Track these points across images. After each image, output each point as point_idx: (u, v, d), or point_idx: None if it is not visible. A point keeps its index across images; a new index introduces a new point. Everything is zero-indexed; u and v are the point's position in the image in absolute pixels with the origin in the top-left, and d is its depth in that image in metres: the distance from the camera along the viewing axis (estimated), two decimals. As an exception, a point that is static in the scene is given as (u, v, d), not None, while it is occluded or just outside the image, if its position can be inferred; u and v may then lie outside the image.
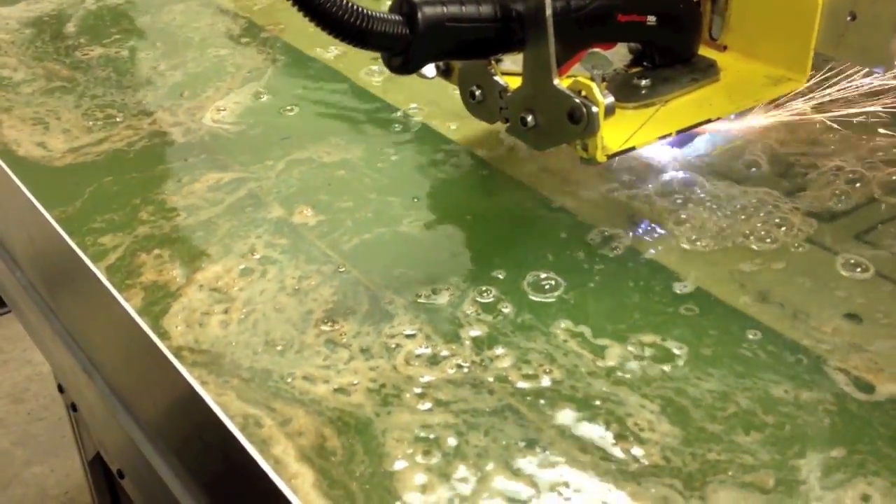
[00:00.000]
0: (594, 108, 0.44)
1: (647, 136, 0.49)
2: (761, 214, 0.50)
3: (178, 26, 0.77)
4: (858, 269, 0.46)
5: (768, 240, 0.48)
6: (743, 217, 0.50)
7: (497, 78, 0.49)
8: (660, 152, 0.55)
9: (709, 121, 0.51)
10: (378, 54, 0.45)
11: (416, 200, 0.53)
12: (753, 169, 0.54)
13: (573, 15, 0.47)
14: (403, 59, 0.44)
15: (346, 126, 0.61)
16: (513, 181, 0.54)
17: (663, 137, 0.49)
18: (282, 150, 0.59)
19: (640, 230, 0.49)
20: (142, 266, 0.49)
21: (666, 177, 0.53)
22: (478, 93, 0.50)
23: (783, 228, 0.49)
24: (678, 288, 0.45)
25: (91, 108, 0.65)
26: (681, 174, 0.54)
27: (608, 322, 0.43)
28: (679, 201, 0.51)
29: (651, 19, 0.51)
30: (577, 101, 0.44)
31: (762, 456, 0.36)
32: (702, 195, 0.52)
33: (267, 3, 0.81)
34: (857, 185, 0.52)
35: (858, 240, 0.48)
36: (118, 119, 0.63)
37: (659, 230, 0.49)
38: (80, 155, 0.59)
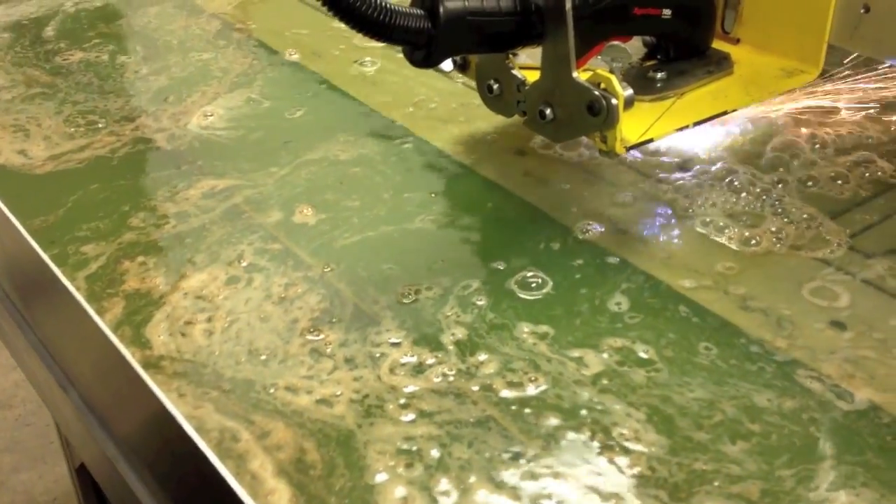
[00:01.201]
0: (614, 101, 0.44)
1: (664, 128, 0.49)
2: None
3: (153, 29, 0.76)
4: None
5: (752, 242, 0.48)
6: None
7: (515, 72, 0.50)
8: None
9: (724, 113, 0.51)
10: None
11: (433, 196, 0.53)
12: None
13: (591, 9, 0.48)
14: (426, 53, 0.45)
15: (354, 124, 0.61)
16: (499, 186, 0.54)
17: (680, 129, 0.50)
18: (288, 153, 0.58)
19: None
20: (125, 274, 0.48)
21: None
22: (495, 87, 0.51)
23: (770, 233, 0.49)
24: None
25: (73, 115, 0.64)
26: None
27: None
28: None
29: (666, 13, 0.52)
30: (597, 93, 0.45)
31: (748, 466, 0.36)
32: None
33: (238, 1, 0.81)
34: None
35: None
36: (100, 125, 0.62)
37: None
38: (62, 162, 0.59)
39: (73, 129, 0.62)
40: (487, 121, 0.59)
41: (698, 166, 0.54)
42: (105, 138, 0.61)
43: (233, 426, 0.39)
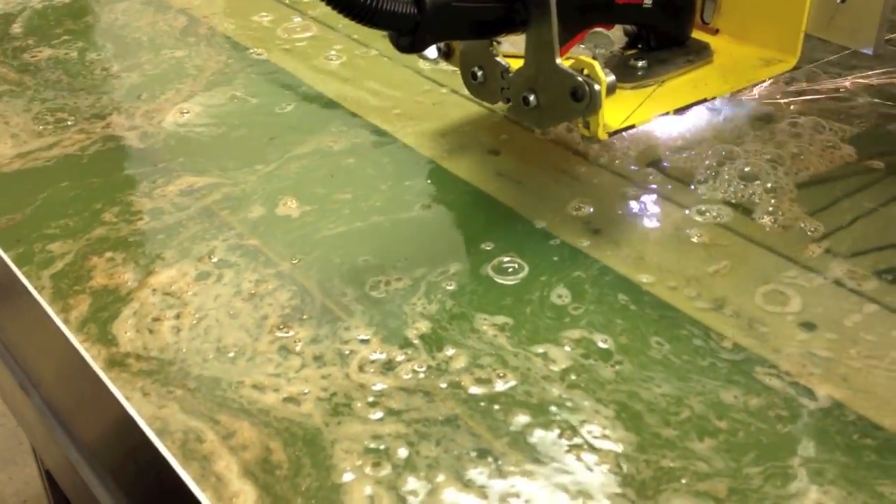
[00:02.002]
0: (597, 87, 0.45)
1: (645, 114, 0.50)
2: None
3: (121, 26, 0.75)
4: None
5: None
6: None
7: (499, 59, 0.50)
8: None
9: (704, 100, 0.53)
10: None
11: (429, 182, 0.53)
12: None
13: None
14: (411, 39, 0.45)
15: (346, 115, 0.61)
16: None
17: (661, 116, 0.51)
18: (275, 150, 0.57)
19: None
20: (92, 270, 0.48)
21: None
22: (479, 74, 0.51)
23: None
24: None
25: (41, 112, 0.63)
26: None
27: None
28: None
29: (647, 2, 0.53)
30: (580, 79, 0.45)
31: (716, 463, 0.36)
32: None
33: None
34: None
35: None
36: (70, 123, 0.61)
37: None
38: (30, 160, 0.57)
39: (41, 127, 0.61)
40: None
41: (673, 164, 0.54)
42: (75, 136, 0.60)
43: (198, 426, 0.38)
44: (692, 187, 0.52)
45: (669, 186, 0.53)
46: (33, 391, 0.42)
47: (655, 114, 0.51)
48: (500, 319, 0.43)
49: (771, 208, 0.50)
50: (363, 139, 0.58)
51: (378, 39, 0.70)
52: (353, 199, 0.52)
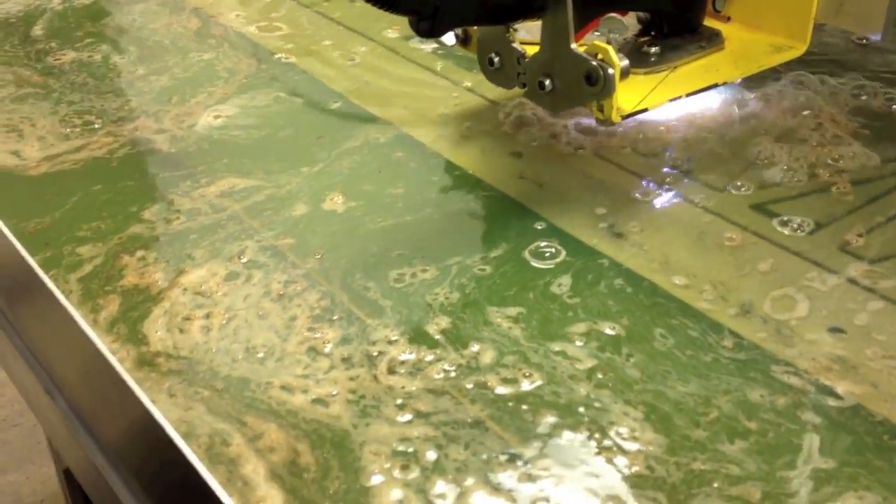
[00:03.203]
0: (610, 70, 0.47)
1: (658, 98, 0.52)
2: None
3: (139, 28, 0.75)
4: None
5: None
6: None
7: (515, 45, 0.52)
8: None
9: (715, 85, 0.54)
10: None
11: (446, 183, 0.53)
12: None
13: None
14: (431, 24, 0.46)
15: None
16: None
17: (673, 100, 0.52)
18: (320, 149, 0.57)
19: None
20: (123, 269, 0.48)
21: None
22: (496, 60, 0.53)
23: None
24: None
25: (68, 115, 0.63)
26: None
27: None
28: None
29: None
30: (595, 63, 0.47)
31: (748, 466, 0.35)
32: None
33: None
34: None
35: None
36: (97, 126, 0.61)
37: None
38: (57, 163, 0.57)
39: (68, 130, 0.61)
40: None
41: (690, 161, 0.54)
42: (102, 139, 0.60)
43: (224, 428, 0.38)
44: (720, 189, 0.52)
45: (695, 188, 0.52)
46: (57, 394, 0.42)
47: (668, 98, 0.52)
48: (514, 311, 0.43)
49: (794, 212, 0.50)
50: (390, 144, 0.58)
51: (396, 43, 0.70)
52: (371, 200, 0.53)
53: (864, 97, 0.60)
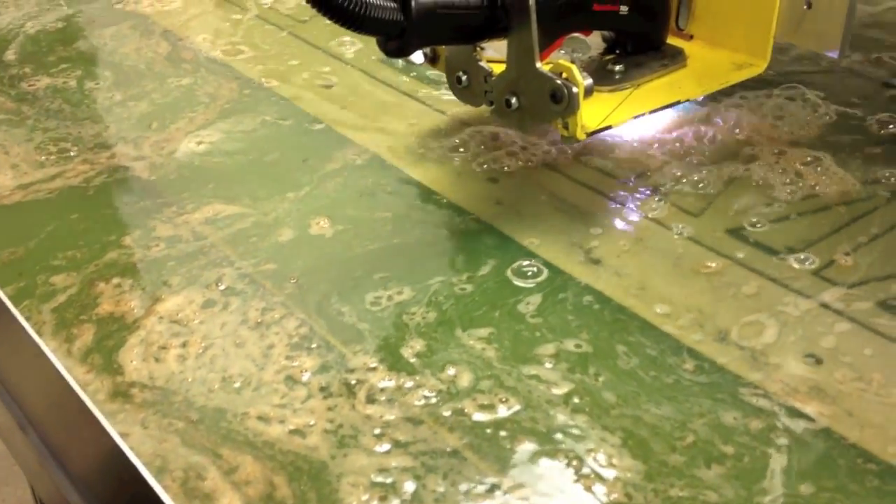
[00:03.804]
0: (574, 89, 0.48)
1: (622, 115, 0.53)
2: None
3: (111, 52, 0.74)
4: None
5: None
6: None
7: (482, 63, 0.53)
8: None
9: (678, 102, 0.55)
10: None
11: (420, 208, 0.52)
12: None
13: (553, 4, 0.52)
14: (399, 44, 0.48)
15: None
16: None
17: (637, 117, 0.53)
18: (305, 173, 0.57)
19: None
20: (99, 297, 0.47)
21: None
22: (464, 78, 0.54)
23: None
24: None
25: (43, 142, 0.62)
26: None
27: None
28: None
29: (623, 9, 0.56)
30: (559, 82, 0.48)
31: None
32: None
33: (190, 14, 0.80)
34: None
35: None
36: (73, 153, 0.60)
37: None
38: (31, 192, 0.57)
39: (43, 158, 0.60)
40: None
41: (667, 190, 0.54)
42: (79, 167, 0.59)
43: (199, 461, 0.38)
44: (695, 214, 0.52)
45: (671, 212, 0.52)
46: (29, 428, 0.42)
47: (632, 115, 0.53)
48: (486, 332, 0.43)
49: (765, 231, 0.50)
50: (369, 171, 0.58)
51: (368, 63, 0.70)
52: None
53: (839, 116, 0.61)
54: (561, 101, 0.48)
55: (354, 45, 0.72)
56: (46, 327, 0.46)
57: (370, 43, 0.48)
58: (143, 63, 0.72)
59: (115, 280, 0.49)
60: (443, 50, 0.56)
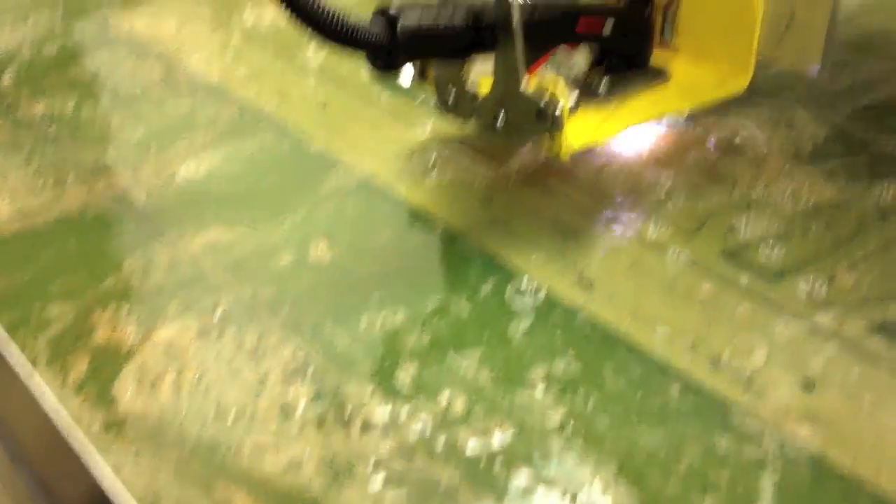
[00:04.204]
0: (560, 105, 0.48)
1: (607, 131, 0.54)
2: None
3: (107, 76, 0.74)
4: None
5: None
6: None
7: (469, 80, 0.54)
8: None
9: (663, 116, 0.57)
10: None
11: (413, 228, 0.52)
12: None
13: (538, 22, 0.52)
14: (385, 60, 0.48)
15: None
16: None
17: (623, 132, 0.55)
18: (302, 196, 0.57)
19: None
20: (94, 326, 0.48)
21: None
22: (451, 95, 0.55)
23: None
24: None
25: (41, 168, 0.62)
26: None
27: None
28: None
29: (607, 27, 0.57)
30: (544, 99, 0.49)
31: None
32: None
33: (184, 37, 0.80)
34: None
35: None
36: (70, 179, 0.60)
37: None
38: (30, 220, 0.56)
39: (40, 184, 0.60)
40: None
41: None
42: (77, 193, 0.59)
43: (192, 495, 0.37)
44: (690, 233, 0.52)
45: (665, 233, 0.52)
46: (20, 461, 0.42)
47: (617, 131, 0.54)
48: (479, 354, 0.43)
49: (760, 251, 0.50)
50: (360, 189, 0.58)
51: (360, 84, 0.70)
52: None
53: (832, 134, 0.61)
54: (546, 117, 0.49)
55: (345, 64, 0.73)
56: (41, 358, 0.45)
57: (361, 62, 0.49)
58: (139, 87, 0.72)
59: (112, 308, 0.49)
60: (431, 67, 0.56)
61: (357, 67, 0.71)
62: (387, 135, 0.64)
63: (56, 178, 0.61)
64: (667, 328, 0.45)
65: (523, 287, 0.49)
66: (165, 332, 0.47)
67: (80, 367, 0.45)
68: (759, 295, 0.47)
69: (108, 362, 0.45)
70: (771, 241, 0.51)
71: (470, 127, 0.59)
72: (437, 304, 0.48)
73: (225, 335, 0.46)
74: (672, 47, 0.61)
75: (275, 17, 0.82)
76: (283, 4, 0.44)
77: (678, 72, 0.59)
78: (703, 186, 0.56)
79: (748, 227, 0.52)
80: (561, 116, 0.49)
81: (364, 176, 0.59)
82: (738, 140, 0.60)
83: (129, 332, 0.47)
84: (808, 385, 0.41)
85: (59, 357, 0.45)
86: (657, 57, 0.61)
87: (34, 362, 0.45)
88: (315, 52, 0.75)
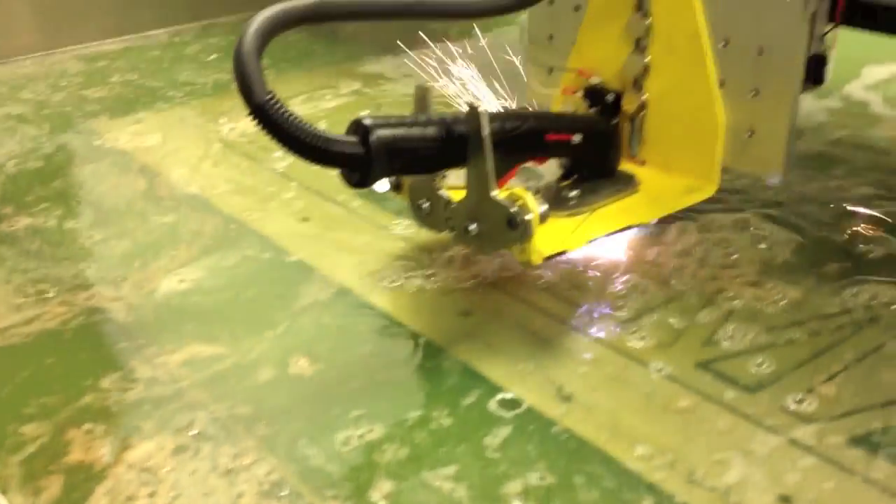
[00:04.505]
0: (529, 216, 0.50)
1: (578, 240, 0.55)
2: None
3: (90, 190, 0.75)
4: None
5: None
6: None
7: (442, 191, 0.55)
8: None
9: (631, 226, 0.57)
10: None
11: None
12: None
13: (508, 135, 0.54)
14: (360, 176, 0.49)
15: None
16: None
17: (592, 241, 0.56)
18: (281, 309, 0.58)
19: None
20: (69, 444, 0.47)
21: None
22: (426, 205, 0.56)
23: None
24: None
25: (22, 284, 0.62)
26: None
27: None
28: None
29: (576, 138, 0.59)
30: (514, 210, 0.50)
31: None
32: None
33: (167, 150, 0.82)
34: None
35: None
36: (51, 294, 0.60)
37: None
38: (8, 337, 0.56)
39: (21, 300, 0.60)
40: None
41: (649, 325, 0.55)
42: (56, 309, 0.59)
43: None
44: (667, 345, 0.52)
45: (641, 347, 0.52)
46: None
47: (587, 240, 0.55)
48: (454, 469, 0.43)
49: (736, 364, 0.50)
50: (335, 300, 0.59)
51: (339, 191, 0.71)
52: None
53: (802, 242, 0.62)
54: (517, 227, 0.50)
55: (326, 175, 0.74)
56: (12, 481, 0.45)
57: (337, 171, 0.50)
58: (123, 201, 0.73)
59: (87, 426, 0.48)
60: (406, 179, 0.58)
61: (334, 175, 0.73)
62: (364, 244, 0.65)
63: (37, 294, 0.61)
64: (645, 444, 0.45)
65: (503, 400, 0.49)
66: (140, 451, 0.46)
67: (53, 489, 0.44)
68: (737, 409, 0.47)
69: (81, 483, 0.44)
70: (748, 352, 0.51)
71: (444, 236, 0.60)
72: (416, 418, 0.48)
73: (200, 454, 0.46)
74: (640, 160, 0.63)
75: (256, 130, 0.84)
76: (256, 120, 0.45)
77: (646, 181, 0.61)
78: (677, 296, 0.56)
79: (725, 339, 0.53)
80: (531, 224, 0.50)
81: (343, 286, 0.60)
82: (708, 248, 0.61)
83: (103, 452, 0.46)
84: (785, 500, 0.41)
85: (31, 479, 0.45)
86: (626, 168, 0.63)
87: (6, 485, 0.45)
88: (294, 162, 0.76)
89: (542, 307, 0.57)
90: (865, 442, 0.44)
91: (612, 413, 0.47)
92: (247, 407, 0.49)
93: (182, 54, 1.09)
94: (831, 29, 0.57)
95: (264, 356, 0.53)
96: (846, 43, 0.63)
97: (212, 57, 1.07)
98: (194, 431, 0.47)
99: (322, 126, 0.46)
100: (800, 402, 0.47)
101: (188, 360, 0.53)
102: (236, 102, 0.44)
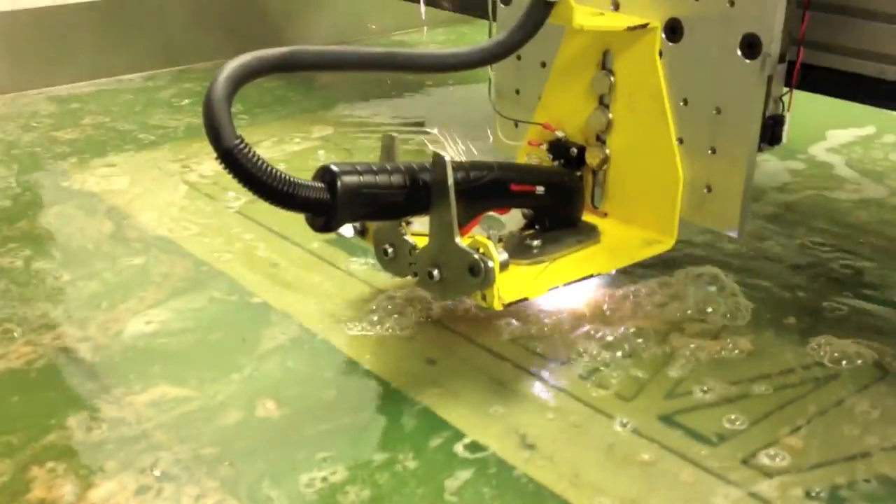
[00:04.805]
0: (490, 263, 0.51)
1: (539, 288, 0.57)
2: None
3: (57, 230, 0.75)
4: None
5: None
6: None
7: (407, 237, 0.56)
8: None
9: (591, 276, 0.59)
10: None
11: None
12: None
13: (472, 184, 0.55)
14: (325, 220, 0.50)
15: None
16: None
17: (553, 289, 0.57)
18: (247, 352, 0.58)
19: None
20: (31, 482, 0.47)
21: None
22: (390, 250, 0.57)
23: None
24: None
25: None
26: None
27: None
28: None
29: (539, 189, 0.60)
30: (476, 257, 0.51)
31: None
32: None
33: (134, 193, 0.83)
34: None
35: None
36: (16, 335, 0.60)
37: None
38: None
39: None
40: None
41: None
42: (21, 349, 0.59)
43: None
44: (628, 399, 0.53)
45: (605, 399, 0.53)
46: None
47: (548, 288, 0.56)
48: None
49: (698, 416, 0.51)
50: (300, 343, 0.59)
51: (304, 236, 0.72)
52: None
53: (764, 297, 0.63)
54: (478, 274, 0.51)
55: (293, 220, 0.75)
56: (-29, 520, 0.45)
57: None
58: (91, 242, 0.73)
59: (50, 464, 0.48)
60: (371, 224, 0.59)
61: (300, 218, 0.73)
62: (330, 288, 0.66)
63: (3, 333, 0.61)
64: (605, 496, 0.46)
65: (465, 447, 0.49)
66: (102, 490, 0.46)
67: (13, 529, 0.44)
68: (699, 462, 0.48)
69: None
70: (711, 405, 0.53)
71: (408, 282, 0.61)
72: (380, 461, 0.48)
73: (162, 494, 0.46)
74: (601, 212, 0.65)
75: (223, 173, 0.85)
76: (224, 165, 0.45)
77: (608, 234, 0.63)
78: (640, 348, 0.58)
79: (687, 391, 0.54)
80: (492, 272, 0.51)
81: (308, 330, 0.61)
82: (670, 300, 0.63)
83: (65, 491, 0.46)
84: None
85: (-9, 520, 0.45)
86: (588, 220, 0.64)
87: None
88: (259, 204, 0.77)
89: (510, 358, 0.57)
90: (831, 498, 0.45)
91: (574, 463, 0.48)
92: (212, 448, 0.49)
93: (155, 98, 1.10)
94: (787, 92, 0.59)
95: (231, 398, 0.54)
96: (812, 106, 0.66)
97: (185, 102, 1.08)
98: (157, 472, 0.48)
99: (281, 167, 0.47)
100: (761, 454, 0.48)
101: (154, 400, 0.54)
102: (206, 145, 0.45)
